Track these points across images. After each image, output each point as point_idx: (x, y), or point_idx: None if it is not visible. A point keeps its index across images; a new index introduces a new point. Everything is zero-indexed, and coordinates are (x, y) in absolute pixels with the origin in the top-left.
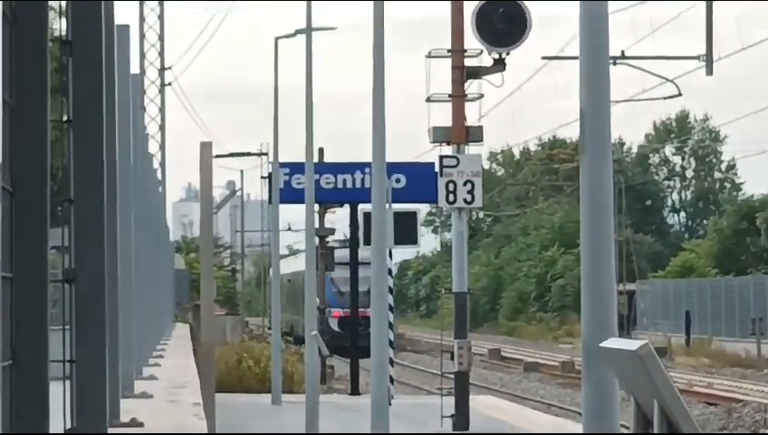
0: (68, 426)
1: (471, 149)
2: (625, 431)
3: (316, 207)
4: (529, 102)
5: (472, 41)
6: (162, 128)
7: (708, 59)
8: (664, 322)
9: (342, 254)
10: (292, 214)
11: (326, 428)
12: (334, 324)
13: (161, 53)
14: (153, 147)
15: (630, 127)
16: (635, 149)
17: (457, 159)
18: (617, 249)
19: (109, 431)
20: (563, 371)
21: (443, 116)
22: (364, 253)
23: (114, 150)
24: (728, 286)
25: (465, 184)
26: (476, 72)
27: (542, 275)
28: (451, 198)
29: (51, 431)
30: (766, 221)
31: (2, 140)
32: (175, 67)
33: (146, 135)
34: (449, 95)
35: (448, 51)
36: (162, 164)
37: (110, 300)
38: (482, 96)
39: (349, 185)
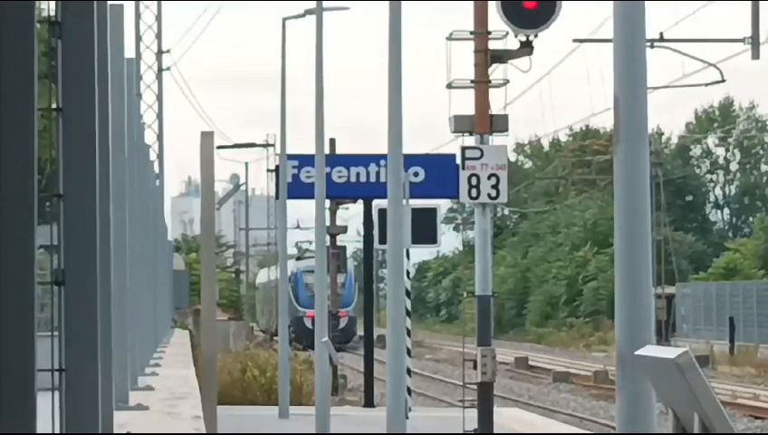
0: None
1: (496, 139)
2: None
3: (327, 202)
4: (559, 89)
5: (497, 22)
6: (160, 117)
7: (754, 41)
8: (706, 328)
9: (308, 264)
10: (302, 210)
11: None
12: (309, 323)
13: (159, 36)
14: (150, 137)
15: (669, 115)
16: (674, 140)
17: (481, 151)
18: (654, 249)
19: None
20: (596, 381)
21: (465, 104)
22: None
23: (107, 141)
24: None
25: (489, 178)
26: (501, 56)
27: (573, 277)
28: (474, 192)
29: None
30: None
31: None
32: (174, 51)
33: (142, 124)
34: (472, 81)
35: (471, 33)
36: (160, 156)
37: (103, 304)
38: (507, 82)
39: (363, 179)
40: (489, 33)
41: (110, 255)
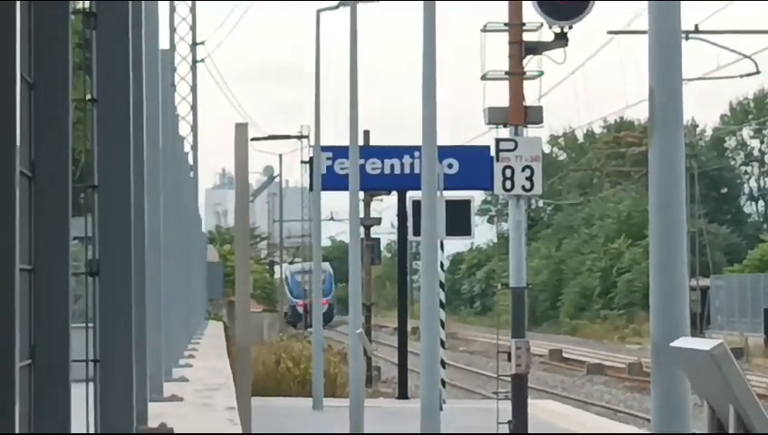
0: (91, 431)
1: (530, 131)
2: None
3: (361, 194)
4: (593, 81)
5: (531, 13)
6: (194, 108)
7: None
8: (740, 320)
9: (297, 267)
10: (336, 202)
11: None
12: (300, 310)
13: (193, 27)
14: (184, 129)
15: (704, 107)
16: (709, 132)
17: (515, 143)
18: (689, 241)
19: None
20: (630, 373)
21: (499, 95)
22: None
23: (142, 132)
24: None
25: (523, 169)
26: (536, 48)
27: (608, 269)
28: (508, 184)
29: None
30: None
31: (20, 121)
32: (208, 42)
33: (176, 116)
34: (506, 72)
35: (505, 24)
36: (194, 147)
37: (138, 295)
38: (542, 74)
39: (397, 170)
40: (523, 24)
41: (144, 246)
